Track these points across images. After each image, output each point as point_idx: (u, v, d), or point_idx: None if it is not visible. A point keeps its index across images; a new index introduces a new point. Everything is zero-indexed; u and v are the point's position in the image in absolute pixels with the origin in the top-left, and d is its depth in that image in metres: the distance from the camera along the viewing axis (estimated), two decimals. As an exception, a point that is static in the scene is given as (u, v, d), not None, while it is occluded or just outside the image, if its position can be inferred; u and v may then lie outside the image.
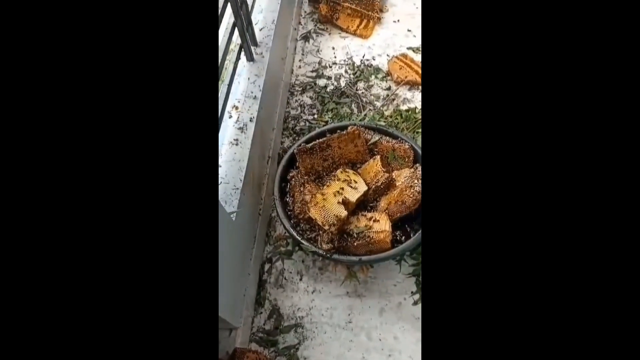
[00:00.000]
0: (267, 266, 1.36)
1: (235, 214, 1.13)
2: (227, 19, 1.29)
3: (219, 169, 1.23)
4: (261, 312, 1.27)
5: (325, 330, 1.22)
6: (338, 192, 1.20)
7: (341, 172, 1.26)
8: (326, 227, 1.14)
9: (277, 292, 1.31)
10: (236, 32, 1.35)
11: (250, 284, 1.26)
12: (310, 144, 1.28)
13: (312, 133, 1.37)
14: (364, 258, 1.13)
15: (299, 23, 2.05)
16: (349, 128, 1.29)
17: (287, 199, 1.28)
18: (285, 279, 1.33)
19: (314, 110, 1.73)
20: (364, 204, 1.26)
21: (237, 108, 1.37)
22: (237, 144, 1.29)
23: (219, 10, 1.20)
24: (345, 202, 1.18)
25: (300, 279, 1.33)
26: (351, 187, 1.22)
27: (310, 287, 1.31)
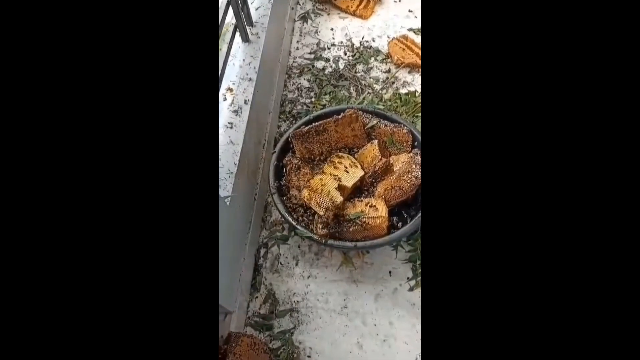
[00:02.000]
0: (262, 251, 1.35)
1: (229, 199, 1.11)
2: (221, -3, 1.24)
3: (213, 152, 1.20)
4: (256, 297, 1.27)
5: (321, 315, 1.22)
6: (334, 177, 1.18)
7: (337, 156, 1.24)
8: (321, 212, 1.12)
9: (273, 276, 1.30)
10: (230, 11, 1.30)
11: (245, 268, 1.25)
12: (306, 128, 1.25)
13: (309, 117, 1.34)
14: (360, 244, 1.12)
15: (297, 3, 1.98)
16: (346, 111, 1.26)
17: (283, 184, 1.26)
18: (280, 264, 1.33)
19: (312, 94, 1.70)
20: (361, 189, 1.24)
21: (231, 90, 1.34)
22: (231, 127, 1.26)
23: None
24: (341, 187, 1.16)
25: (296, 264, 1.32)
26: (347, 172, 1.20)
27: (306, 272, 1.30)
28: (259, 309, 1.25)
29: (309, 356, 1.16)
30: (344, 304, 1.23)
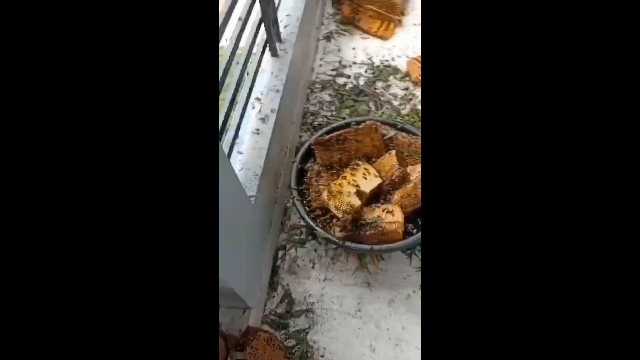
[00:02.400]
0: (280, 253, 1.41)
1: (254, 198, 1.18)
2: (255, 15, 1.35)
3: (241, 155, 1.28)
4: (274, 296, 1.31)
5: (335, 317, 1.25)
6: (353, 182, 1.24)
7: (357, 164, 1.30)
8: (340, 215, 1.18)
9: (290, 278, 1.35)
10: (262, 28, 1.41)
11: (264, 267, 1.30)
12: (328, 136, 1.32)
13: (330, 126, 1.42)
14: (376, 247, 1.17)
15: (322, 23, 2.11)
16: (366, 122, 1.33)
17: (303, 188, 1.32)
18: (298, 266, 1.37)
19: (332, 107, 1.78)
20: (378, 197, 1.30)
21: (259, 100, 1.43)
22: (258, 134, 1.34)
23: (248, 6, 1.27)
24: (359, 193, 1.22)
25: (313, 267, 1.37)
26: (366, 178, 1.26)
27: (322, 275, 1.34)
28: (276, 307, 1.29)
29: (322, 356, 1.19)
30: (358, 307, 1.27)
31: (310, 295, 1.31)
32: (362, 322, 1.24)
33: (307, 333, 1.22)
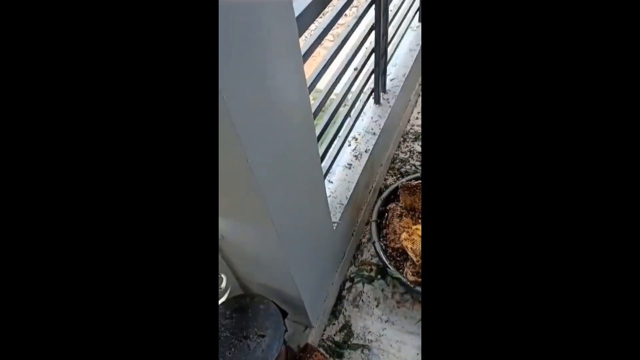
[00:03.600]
0: (347, 284, 1.45)
1: (336, 224, 1.27)
2: (368, 66, 1.53)
3: (331, 185, 1.41)
4: (334, 324, 1.35)
5: (391, 360, 1.23)
6: (433, 230, 1.27)
7: (440, 213, 1.32)
8: (415, 259, 1.20)
9: (353, 310, 1.38)
10: (372, 77, 1.58)
11: (331, 293, 1.36)
12: (415, 182, 1.38)
13: (419, 174, 1.48)
14: (447, 298, 1.15)
15: (424, 81, 2.24)
16: (456, 176, 1.36)
17: (382, 227, 1.38)
18: (362, 301, 1.40)
19: (422, 158, 1.84)
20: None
21: (356, 139, 1.57)
22: (349, 168, 1.47)
23: (364, 60, 1.45)
24: (438, 241, 1.23)
25: (377, 306, 1.38)
26: (447, 229, 1.27)
27: (385, 316, 1.35)
28: (334, 335, 1.32)
29: (371, 397, 1.17)
30: (417, 358, 1.23)
31: (369, 332, 1.31)
32: (418, 374, 1.19)
33: (360, 369, 1.22)
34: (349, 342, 1.28)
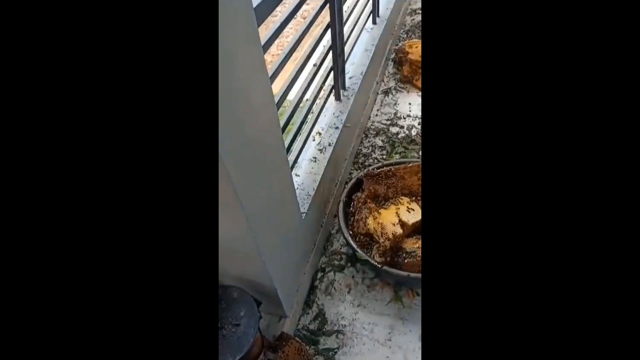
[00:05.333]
0: (319, 274, 1.49)
1: (305, 214, 1.31)
2: (327, 63, 1.60)
3: (298, 177, 1.45)
4: (308, 313, 1.38)
5: (365, 342, 1.28)
6: (397, 214, 1.34)
7: (402, 198, 1.40)
8: (381, 241, 1.26)
9: (325, 299, 1.41)
10: (331, 75, 1.65)
11: (303, 283, 1.39)
12: (378, 170, 1.45)
13: (381, 163, 1.55)
14: (413, 275, 1.21)
15: (382, 80, 2.35)
16: (415, 162, 1.45)
17: (349, 214, 1.43)
18: (334, 289, 1.44)
19: (384, 152, 1.93)
20: (420, 232, 1.37)
21: (320, 134, 1.63)
22: (315, 161, 1.51)
23: (322, 57, 1.51)
24: (402, 223, 1.30)
25: (348, 292, 1.42)
26: (409, 212, 1.35)
27: (356, 301, 1.39)
28: (309, 324, 1.35)
29: (348, 378, 1.20)
30: (389, 337, 1.28)
31: (342, 317, 1.35)
32: (391, 351, 1.25)
33: (335, 352, 1.26)
34: (324, 329, 1.31)
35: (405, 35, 2.68)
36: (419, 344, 1.25)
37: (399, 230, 1.26)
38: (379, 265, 1.23)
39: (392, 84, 2.32)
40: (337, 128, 1.63)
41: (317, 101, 1.59)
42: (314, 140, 1.59)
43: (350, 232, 1.36)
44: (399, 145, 1.94)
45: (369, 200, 1.43)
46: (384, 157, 1.90)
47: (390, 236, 1.25)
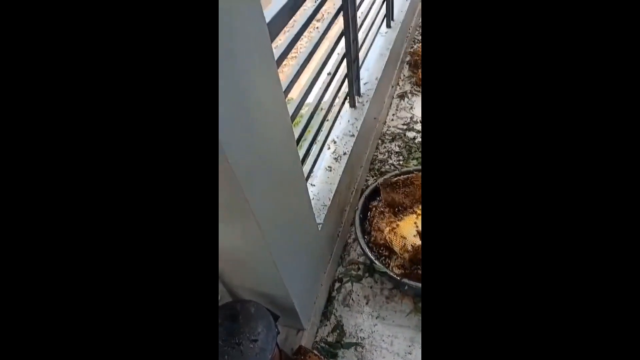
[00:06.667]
0: (337, 285, 1.47)
1: (321, 225, 1.30)
2: (341, 71, 1.58)
3: (314, 187, 1.44)
4: (326, 325, 1.36)
5: (384, 355, 1.25)
6: (415, 224, 1.30)
7: (420, 208, 1.37)
8: (400, 252, 1.23)
9: (343, 310, 1.39)
10: (346, 82, 1.63)
11: (321, 294, 1.37)
12: (395, 178, 1.42)
13: (398, 171, 1.52)
14: (433, 288, 1.18)
15: (398, 84, 2.31)
16: (433, 170, 1.41)
17: (366, 224, 1.41)
18: (352, 300, 1.42)
19: (400, 157, 1.90)
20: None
21: (335, 142, 1.61)
22: (330, 170, 1.50)
23: (336, 65, 1.50)
24: (420, 234, 1.27)
25: (367, 303, 1.40)
26: (428, 222, 1.31)
27: (375, 313, 1.37)
28: (327, 336, 1.33)
29: (367, 393, 1.18)
30: (409, 350, 1.25)
31: (361, 329, 1.33)
32: (412, 366, 1.22)
33: (354, 366, 1.23)
34: (342, 342, 1.29)
35: (420, 37, 2.64)
36: (441, 359, 1.22)
37: (418, 242, 1.23)
38: (398, 278, 1.21)
39: (407, 87, 2.28)
40: (352, 136, 1.61)
41: (332, 109, 1.58)
42: (329, 148, 1.58)
43: (368, 242, 1.34)
44: (416, 150, 1.90)
45: (386, 210, 1.41)
46: (401, 162, 1.86)
47: (409, 248, 1.22)
